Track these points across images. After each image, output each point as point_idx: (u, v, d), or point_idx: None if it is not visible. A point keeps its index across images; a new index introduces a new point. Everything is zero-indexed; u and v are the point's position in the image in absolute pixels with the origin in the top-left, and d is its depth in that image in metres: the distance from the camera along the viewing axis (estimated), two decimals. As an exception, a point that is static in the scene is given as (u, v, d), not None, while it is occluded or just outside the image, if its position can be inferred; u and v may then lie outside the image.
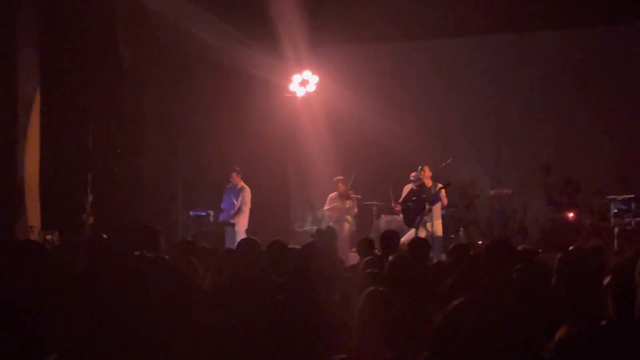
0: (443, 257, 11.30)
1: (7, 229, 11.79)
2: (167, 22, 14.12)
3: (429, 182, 13.10)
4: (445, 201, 13.25)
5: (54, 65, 13.09)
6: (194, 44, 14.55)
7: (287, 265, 5.25)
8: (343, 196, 14.30)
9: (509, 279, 4.73)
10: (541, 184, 14.38)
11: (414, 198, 12.99)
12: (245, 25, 14.88)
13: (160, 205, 14.71)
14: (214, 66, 15.13)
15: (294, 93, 15.83)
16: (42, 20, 12.98)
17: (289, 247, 6.36)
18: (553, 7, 14.38)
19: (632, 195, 13.05)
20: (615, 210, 13.20)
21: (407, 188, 13.50)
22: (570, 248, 6.05)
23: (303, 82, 15.76)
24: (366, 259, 6.39)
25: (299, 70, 15.68)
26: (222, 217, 14.31)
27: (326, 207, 14.54)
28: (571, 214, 13.64)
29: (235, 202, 14.12)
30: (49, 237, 12.08)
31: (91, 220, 13.24)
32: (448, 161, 13.59)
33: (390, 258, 5.24)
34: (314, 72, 15.72)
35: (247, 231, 13.84)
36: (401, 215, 13.50)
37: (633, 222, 12.82)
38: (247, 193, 14.19)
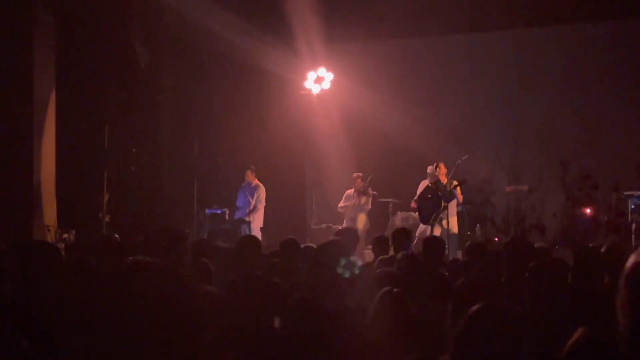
0: (459, 254, 11.28)
1: (24, 228, 11.85)
2: (182, 20, 14.13)
3: (444, 179, 13.06)
4: (460, 198, 13.21)
5: (70, 64, 13.14)
6: (210, 42, 14.55)
7: (299, 264, 5.22)
8: (360, 192, 14.29)
9: (525, 277, 4.69)
10: (558, 180, 14.28)
11: (430, 195, 12.94)
12: (261, 23, 14.87)
13: (176, 203, 14.73)
14: (229, 64, 15.13)
15: (309, 90, 15.79)
16: (58, 19, 13.02)
17: (302, 245, 6.33)
18: (571, 1, 14.29)
19: (651, 192, 12.95)
20: (633, 207, 13.08)
21: (423, 184, 13.46)
22: (585, 245, 6.00)
23: (318, 79, 15.72)
24: (380, 258, 6.34)
25: (314, 67, 15.64)
26: (237, 215, 14.34)
27: (340, 205, 14.52)
28: (589, 211, 13.54)
29: (250, 200, 14.13)
30: (65, 236, 12.12)
31: (107, 219, 13.27)
32: (464, 158, 13.51)
33: (398, 256, 5.20)
34: (329, 69, 15.68)
35: (262, 229, 13.85)
36: (417, 213, 13.46)
37: (651, 219, 12.72)
38: (262, 191, 14.22)
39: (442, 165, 13.18)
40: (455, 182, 12.90)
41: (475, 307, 2.78)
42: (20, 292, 3.75)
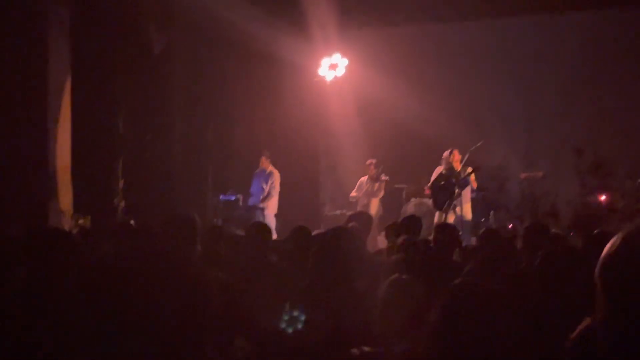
0: (473, 241, 11.28)
1: (40, 214, 11.93)
2: (196, 6, 14.12)
3: (458, 166, 13.04)
4: (474, 184, 13.19)
5: (85, 50, 13.17)
6: (224, 28, 14.54)
7: (310, 252, 5.24)
8: (373, 178, 14.33)
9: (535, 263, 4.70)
10: (573, 167, 14.25)
11: (443, 182, 12.93)
12: (275, 8, 14.83)
13: (190, 189, 14.79)
14: (243, 50, 15.12)
15: (323, 77, 15.79)
16: (73, 5, 13.05)
17: (314, 232, 6.35)
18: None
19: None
20: (648, 194, 13.05)
21: (438, 170, 13.45)
22: (596, 231, 5.99)
23: (332, 66, 15.70)
24: (390, 244, 6.36)
25: (328, 53, 15.63)
26: (251, 201, 14.37)
27: (352, 195, 14.56)
28: (603, 197, 13.51)
29: (264, 186, 14.17)
30: (81, 221, 12.20)
31: (122, 204, 13.35)
32: (478, 144, 13.46)
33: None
34: (343, 56, 15.66)
35: (276, 215, 13.89)
36: (431, 199, 13.46)
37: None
38: (276, 177, 14.25)
39: (456, 152, 13.16)
40: (469, 169, 12.89)
41: (454, 283, 2.82)
42: (35, 277, 3.80)
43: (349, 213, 11.51)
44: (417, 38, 16.27)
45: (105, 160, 13.48)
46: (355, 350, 3.02)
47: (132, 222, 6.99)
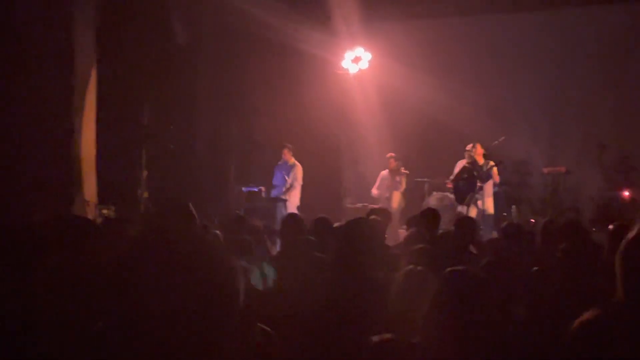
0: (495, 234, 11.26)
1: (65, 203, 12.03)
2: (220, 0, 14.17)
3: (480, 160, 13.02)
4: (497, 178, 13.17)
5: (110, 42, 13.25)
6: (247, 21, 14.58)
7: (331, 243, 5.28)
8: (393, 172, 14.36)
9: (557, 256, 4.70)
10: (596, 162, 14.18)
11: (466, 175, 12.92)
12: (298, 2, 14.86)
13: (213, 180, 14.87)
14: (266, 43, 15.15)
15: (347, 70, 15.80)
16: (98, -2, 13.14)
17: (336, 224, 6.38)
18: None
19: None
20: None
21: (460, 164, 13.43)
22: (622, 223, 5.96)
23: (356, 59, 15.71)
24: (408, 236, 6.37)
25: (352, 46, 15.63)
26: (273, 193, 14.43)
27: (373, 190, 14.60)
28: (626, 193, 13.43)
29: (286, 178, 14.22)
30: (105, 211, 12.30)
31: (146, 194, 13.45)
32: (501, 139, 13.43)
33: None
34: (366, 49, 15.66)
35: (298, 208, 13.94)
36: (453, 193, 13.45)
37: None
38: (299, 170, 14.30)
39: (478, 146, 13.15)
40: (492, 163, 12.87)
41: (446, 270, 2.93)
42: (63, 266, 3.86)
43: (371, 206, 11.54)
44: (440, 31, 16.21)
45: (129, 151, 13.58)
46: (375, 338, 3.06)
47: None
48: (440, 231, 7.45)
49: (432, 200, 14.38)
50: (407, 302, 3.60)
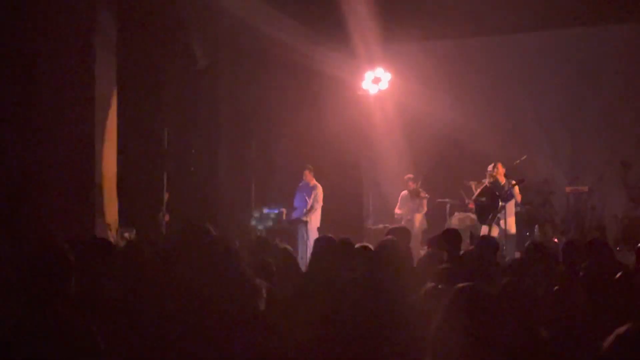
0: (517, 255, 11.19)
1: (87, 226, 12.08)
2: (240, 21, 14.25)
3: (502, 179, 12.97)
4: (518, 198, 13.10)
5: (131, 65, 13.36)
6: (267, 43, 14.66)
7: (353, 263, 5.26)
8: (412, 194, 14.34)
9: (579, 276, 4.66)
10: (620, 181, 14.07)
11: (487, 195, 12.86)
12: (317, 23, 14.91)
13: (233, 202, 14.89)
14: (286, 64, 15.21)
15: (367, 91, 15.81)
16: (119, 21, 13.25)
17: (357, 245, 6.36)
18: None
19: None
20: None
21: (482, 184, 13.39)
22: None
23: (376, 80, 15.72)
24: (428, 255, 6.34)
25: (372, 67, 15.65)
26: (294, 214, 14.43)
27: (396, 211, 14.57)
28: (651, 212, 13.33)
29: (307, 199, 14.22)
30: (126, 234, 12.33)
31: (167, 218, 13.48)
32: (523, 158, 13.38)
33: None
34: (386, 70, 15.67)
35: (319, 229, 13.92)
36: (475, 213, 13.39)
37: None
38: (320, 191, 14.29)
39: (500, 165, 13.09)
40: (513, 182, 12.81)
41: (458, 286, 2.92)
42: (85, 288, 3.87)
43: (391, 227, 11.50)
44: (459, 51, 16.21)
45: (150, 174, 13.64)
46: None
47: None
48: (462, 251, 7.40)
49: (454, 221, 14.34)
50: (426, 319, 3.58)
